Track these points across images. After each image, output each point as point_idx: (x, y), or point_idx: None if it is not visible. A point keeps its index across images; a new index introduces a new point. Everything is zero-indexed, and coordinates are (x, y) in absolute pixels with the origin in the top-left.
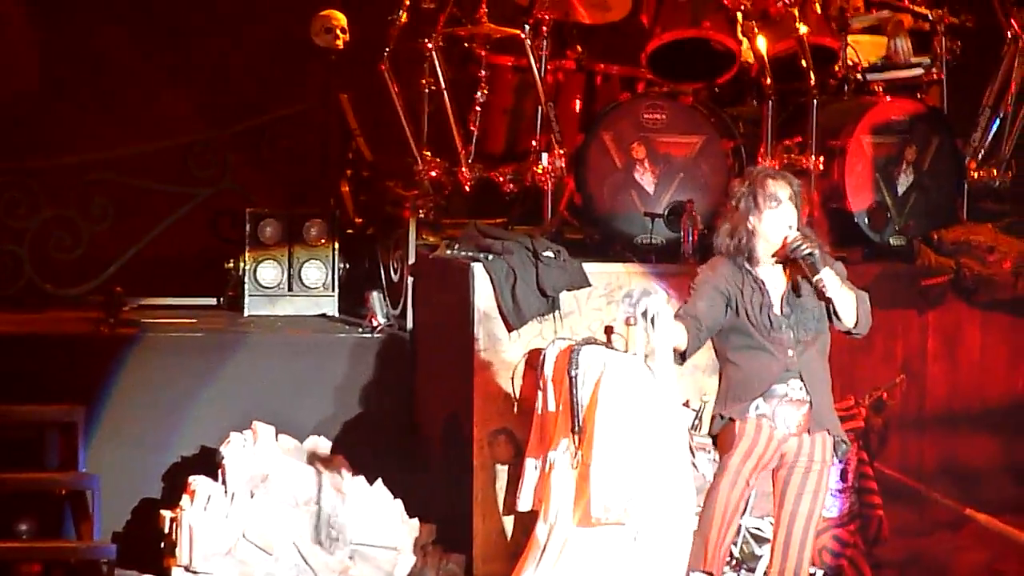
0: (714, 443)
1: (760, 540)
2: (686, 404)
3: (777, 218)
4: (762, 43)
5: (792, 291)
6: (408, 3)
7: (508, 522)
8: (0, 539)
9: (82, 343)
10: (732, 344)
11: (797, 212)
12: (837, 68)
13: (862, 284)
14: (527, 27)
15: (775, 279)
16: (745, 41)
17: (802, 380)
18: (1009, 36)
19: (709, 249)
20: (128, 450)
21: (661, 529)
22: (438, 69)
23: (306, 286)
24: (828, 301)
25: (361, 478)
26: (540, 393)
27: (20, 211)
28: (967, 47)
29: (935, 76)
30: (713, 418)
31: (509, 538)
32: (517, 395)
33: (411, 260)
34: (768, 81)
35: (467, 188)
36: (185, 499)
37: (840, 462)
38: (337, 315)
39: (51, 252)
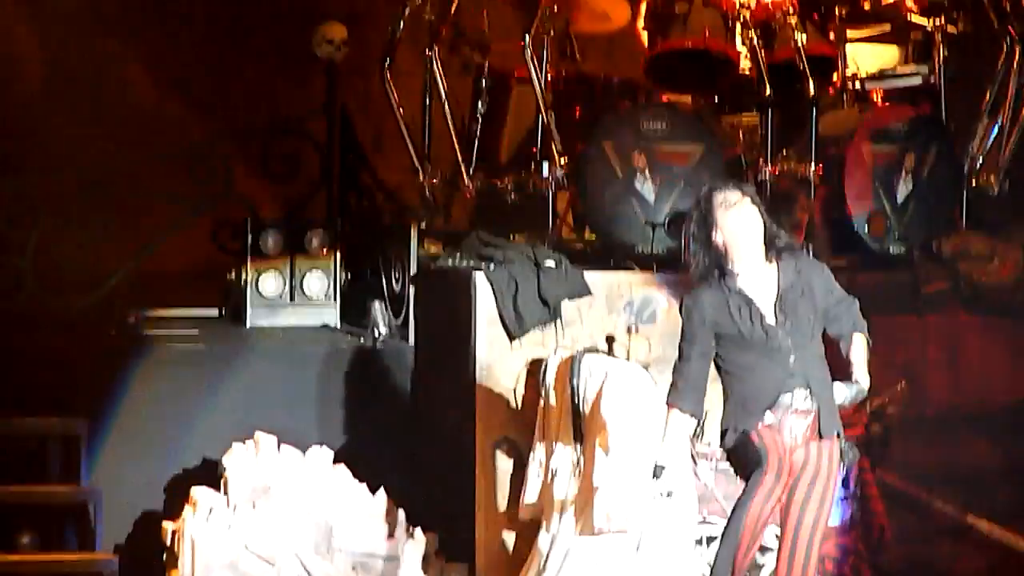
0: (728, 458)
1: (763, 549)
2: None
3: (738, 219)
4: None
5: (782, 297)
6: (408, 14)
7: (510, 531)
8: (2, 551)
9: (84, 355)
10: (732, 359)
11: (760, 210)
12: (836, 77)
13: (862, 292)
14: (527, 37)
15: (762, 286)
16: (744, 50)
17: (808, 389)
18: (1006, 44)
19: None
20: (130, 462)
21: (663, 538)
22: (439, 79)
23: (308, 297)
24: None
25: (363, 488)
26: (542, 402)
27: (22, 223)
28: (965, 55)
29: (933, 84)
30: (725, 432)
31: (511, 548)
32: (519, 404)
33: (413, 270)
34: (767, 90)
35: (468, 198)
36: (187, 510)
37: (846, 469)
38: (339, 325)
39: (53, 264)
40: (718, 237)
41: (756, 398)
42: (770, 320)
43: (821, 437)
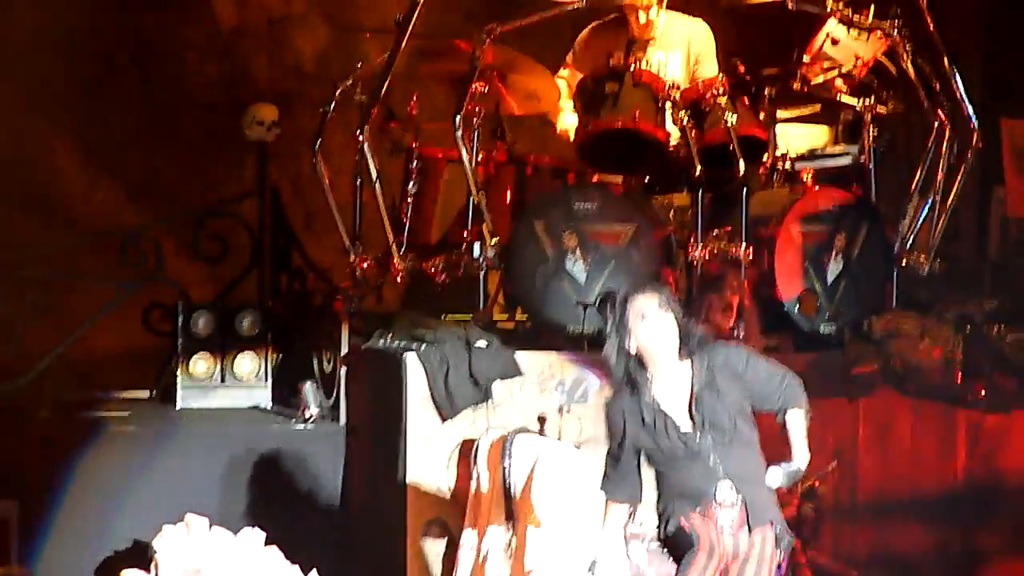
0: (665, 545)
1: None
2: None
3: (652, 328)
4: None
5: (697, 398)
6: (339, 95)
7: None
8: None
9: (14, 437)
10: (657, 460)
11: (675, 314)
12: (766, 157)
13: (793, 372)
14: (457, 118)
15: (676, 389)
16: (674, 130)
17: (731, 483)
18: (936, 124)
19: None
20: (61, 544)
21: None
22: (369, 160)
23: (239, 378)
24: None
25: (296, 569)
26: (473, 483)
27: None
28: (895, 135)
29: (863, 163)
30: (661, 519)
31: None
32: (451, 485)
33: (343, 351)
34: (698, 170)
35: (399, 279)
36: None
37: (784, 552)
38: (270, 406)
39: None
40: (631, 345)
41: (685, 491)
42: (685, 428)
43: (751, 529)
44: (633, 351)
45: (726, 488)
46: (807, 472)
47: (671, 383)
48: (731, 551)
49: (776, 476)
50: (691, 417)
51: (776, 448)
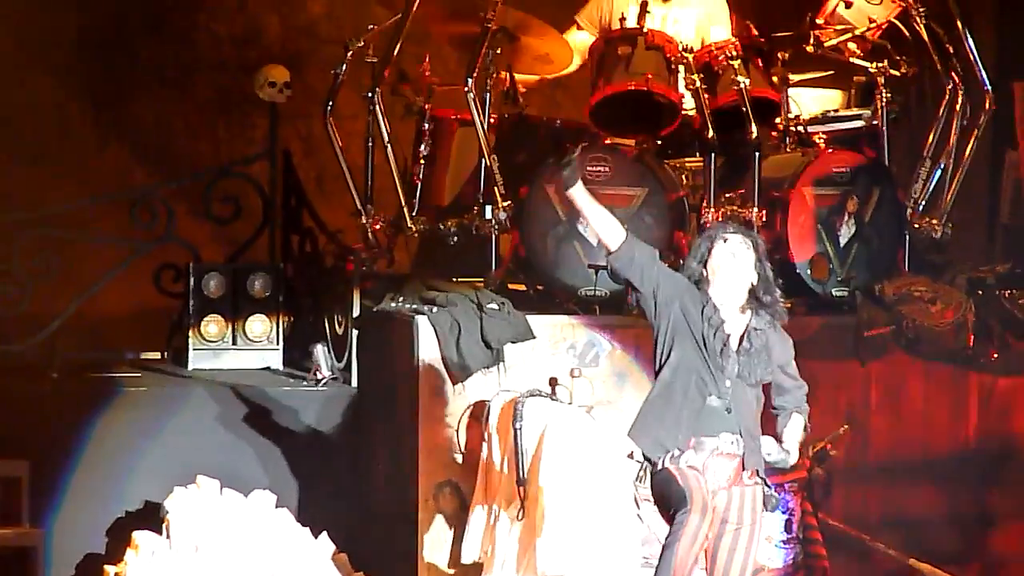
0: (653, 497)
1: None
2: (630, 456)
3: (729, 258)
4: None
5: (746, 335)
6: (351, 57)
7: (454, 574)
8: None
9: (26, 398)
10: (671, 356)
11: (758, 259)
12: (778, 120)
13: (805, 336)
14: (470, 80)
15: (733, 320)
16: (687, 93)
17: (737, 434)
18: (948, 87)
19: None
20: (72, 505)
21: None
22: (381, 122)
23: (250, 339)
24: None
25: (306, 531)
26: (485, 445)
27: None
28: (908, 98)
29: (876, 127)
30: (644, 433)
31: None
32: (462, 448)
33: (355, 313)
34: (710, 133)
35: (413, 233)
36: (129, 554)
37: (770, 511)
38: (282, 368)
39: None
40: (707, 267)
41: (674, 419)
42: (733, 342)
43: (744, 469)
44: (707, 272)
45: (729, 439)
46: (820, 436)
47: (731, 314)
48: (721, 509)
49: (769, 446)
50: (738, 343)
51: None
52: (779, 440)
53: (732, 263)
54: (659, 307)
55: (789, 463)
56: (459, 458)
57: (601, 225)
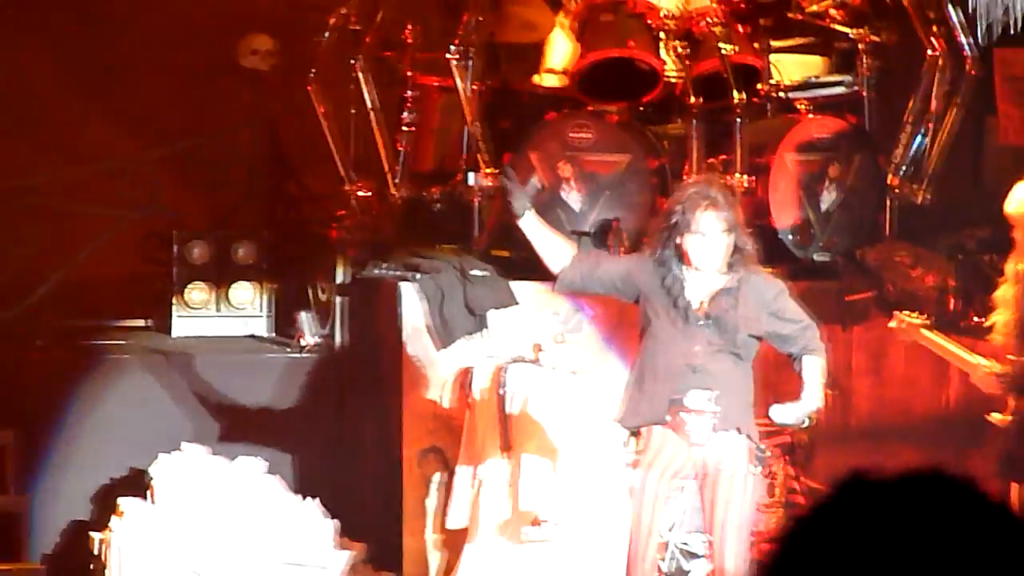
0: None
1: (689, 555)
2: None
3: (704, 248)
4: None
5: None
6: (334, 24)
7: (438, 540)
8: None
9: (11, 366)
10: (650, 323)
11: (732, 238)
12: (761, 87)
13: None
14: (453, 48)
15: (707, 284)
16: (669, 60)
17: (712, 391)
18: (929, 54)
19: None
20: (57, 472)
21: (590, 546)
22: (364, 90)
23: (235, 307)
24: None
25: (293, 496)
26: (468, 412)
27: None
28: (889, 64)
29: (858, 93)
30: (628, 411)
31: (440, 556)
32: (448, 414)
33: (340, 280)
34: (693, 100)
35: (397, 200)
36: (115, 521)
37: (758, 467)
38: (266, 335)
39: None
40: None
41: (657, 379)
42: (695, 307)
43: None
44: (683, 246)
45: (703, 396)
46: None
47: (702, 282)
48: (713, 462)
49: (784, 413)
50: (703, 305)
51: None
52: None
53: (711, 252)
54: (627, 295)
55: (810, 411)
56: (443, 424)
57: (546, 254)
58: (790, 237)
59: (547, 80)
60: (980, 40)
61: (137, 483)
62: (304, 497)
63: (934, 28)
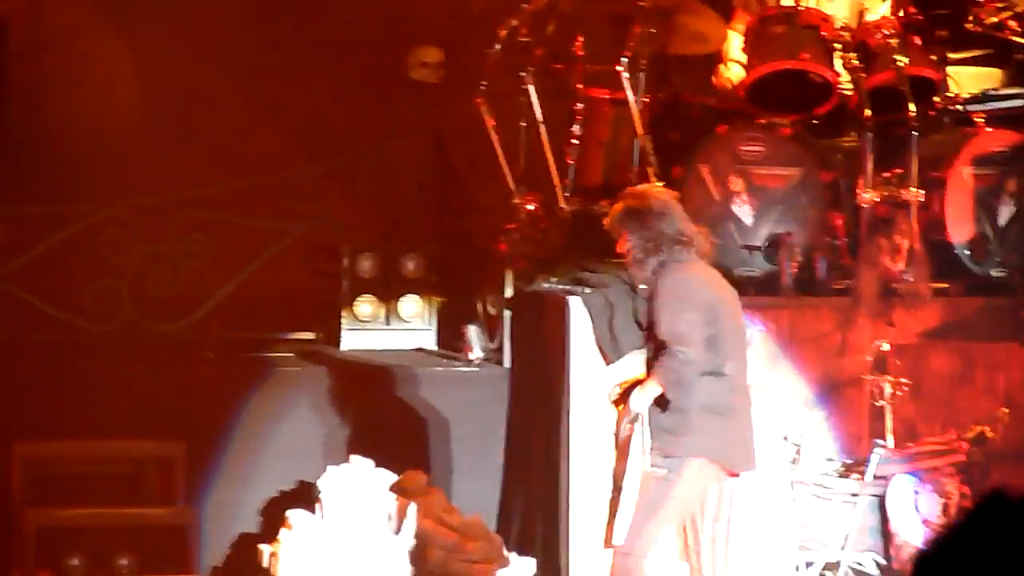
0: None
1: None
2: (785, 438)
3: None
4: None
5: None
6: (504, 37)
7: (606, 556)
8: (100, 573)
9: (180, 378)
10: None
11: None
12: (937, 99)
13: (964, 317)
14: (624, 60)
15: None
16: (844, 73)
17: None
18: None
19: (807, 282)
20: (226, 484)
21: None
22: (534, 102)
23: (403, 320)
24: None
25: (458, 511)
26: (630, 426)
27: (120, 248)
28: None
29: None
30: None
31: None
32: (614, 429)
33: (508, 293)
34: (867, 113)
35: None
36: (283, 533)
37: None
38: (434, 349)
39: (150, 288)
40: None
41: None
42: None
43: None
44: None
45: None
46: (978, 419)
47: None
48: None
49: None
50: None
51: None
52: None
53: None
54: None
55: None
56: (611, 440)
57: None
58: (966, 252)
59: (732, 71)
60: None
61: (305, 495)
62: (469, 512)
63: None
